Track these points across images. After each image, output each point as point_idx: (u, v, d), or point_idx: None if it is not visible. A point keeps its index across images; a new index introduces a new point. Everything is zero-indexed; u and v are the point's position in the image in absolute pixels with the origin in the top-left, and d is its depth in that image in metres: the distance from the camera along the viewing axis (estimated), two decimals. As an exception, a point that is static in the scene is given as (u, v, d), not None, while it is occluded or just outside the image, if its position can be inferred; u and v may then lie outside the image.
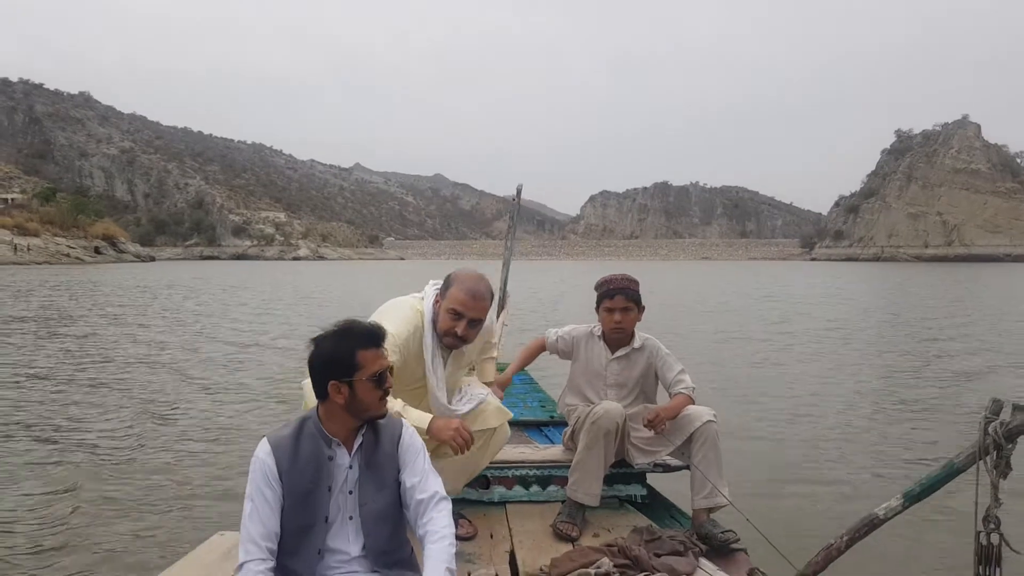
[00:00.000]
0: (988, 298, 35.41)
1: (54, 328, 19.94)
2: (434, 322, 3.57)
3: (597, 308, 4.30)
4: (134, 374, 12.64)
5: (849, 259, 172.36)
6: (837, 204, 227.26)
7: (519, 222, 6.69)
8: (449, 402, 3.65)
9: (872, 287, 48.69)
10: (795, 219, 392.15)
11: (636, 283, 4.27)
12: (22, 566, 4.97)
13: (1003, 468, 2.82)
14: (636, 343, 4.25)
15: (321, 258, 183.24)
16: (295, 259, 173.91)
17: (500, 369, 4.49)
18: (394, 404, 3.16)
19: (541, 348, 4.60)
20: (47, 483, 6.77)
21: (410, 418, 3.17)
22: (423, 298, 3.65)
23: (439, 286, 3.64)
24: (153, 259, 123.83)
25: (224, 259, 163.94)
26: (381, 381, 2.52)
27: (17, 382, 11.84)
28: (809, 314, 26.26)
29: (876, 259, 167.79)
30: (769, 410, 9.93)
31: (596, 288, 4.31)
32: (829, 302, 33.44)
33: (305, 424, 2.58)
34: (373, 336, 2.55)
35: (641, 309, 4.25)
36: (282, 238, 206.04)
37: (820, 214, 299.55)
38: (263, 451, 2.53)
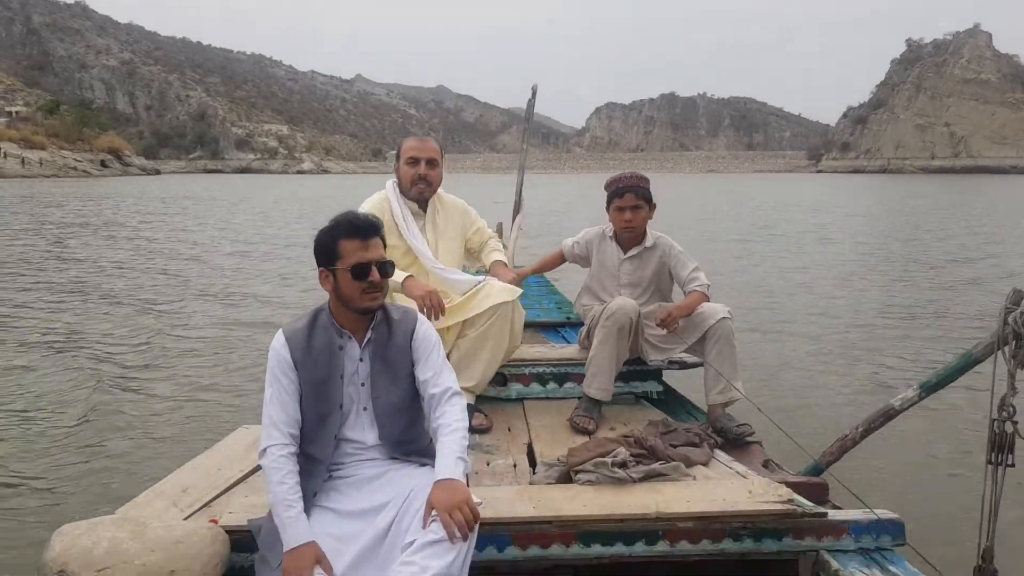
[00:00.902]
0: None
1: (113, 233, 21.75)
2: (399, 190, 4.10)
3: (608, 208, 4.27)
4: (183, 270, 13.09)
5: (855, 171, 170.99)
6: (845, 115, 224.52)
7: (524, 138, 6.63)
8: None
9: (867, 200, 48.48)
10: (803, 130, 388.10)
11: (646, 181, 4.24)
12: (47, 468, 5.10)
13: (1021, 358, 2.83)
14: (648, 242, 4.23)
15: (325, 172, 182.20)
16: (299, 172, 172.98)
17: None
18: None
19: (560, 258, 4.60)
20: (69, 385, 6.90)
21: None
22: (386, 187, 4.19)
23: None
24: (159, 172, 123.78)
25: (228, 172, 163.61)
26: (360, 273, 2.51)
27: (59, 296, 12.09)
28: (804, 220, 26.21)
29: (882, 171, 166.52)
30: (784, 310, 10.01)
31: (606, 188, 4.27)
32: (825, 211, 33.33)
33: (319, 315, 2.64)
34: (356, 227, 2.55)
35: (652, 207, 4.22)
36: (285, 151, 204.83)
37: (828, 125, 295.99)
38: (278, 342, 2.59)
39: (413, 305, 3.59)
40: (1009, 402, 2.84)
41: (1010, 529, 3.60)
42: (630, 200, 4.14)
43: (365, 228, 2.57)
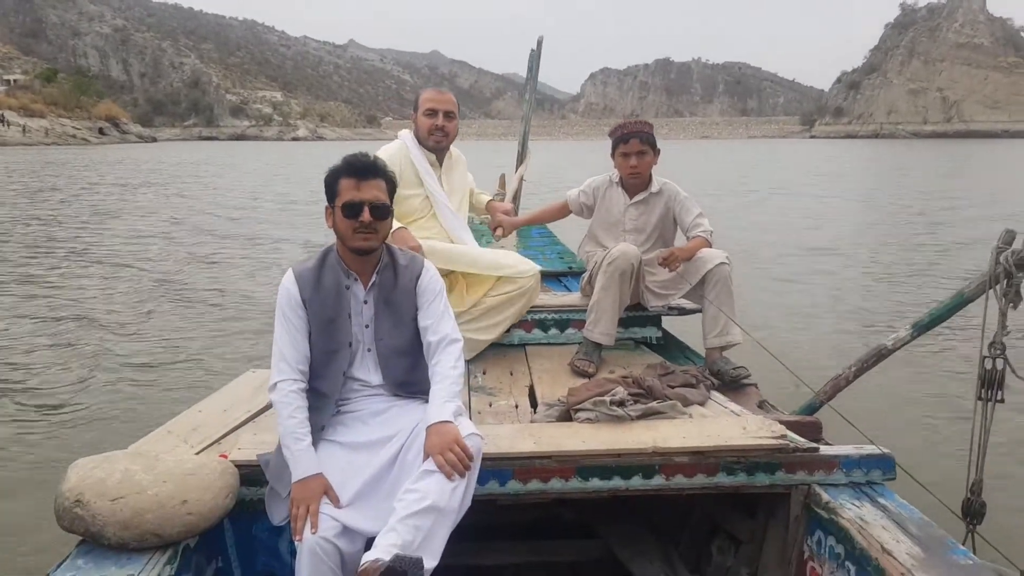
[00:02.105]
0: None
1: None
2: (418, 140, 4.15)
3: (612, 155, 4.29)
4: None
5: (848, 136, 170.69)
6: (839, 80, 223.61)
7: (529, 88, 6.63)
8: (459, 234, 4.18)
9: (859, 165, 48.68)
10: (797, 96, 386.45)
11: (650, 126, 4.27)
12: (60, 412, 5.21)
13: (1012, 296, 2.89)
14: (654, 187, 4.27)
15: (320, 138, 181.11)
16: (294, 139, 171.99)
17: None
18: None
19: (564, 209, 4.61)
20: (77, 337, 6.99)
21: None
22: (399, 136, 4.25)
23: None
24: (155, 139, 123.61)
25: (223, 140, 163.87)
26: (352, 211, 2.54)
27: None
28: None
29: (875, 136, 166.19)
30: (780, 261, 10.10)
31: (610, 135, 4.30)
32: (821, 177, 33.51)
33: (328, 255, 2.69)
34: (352, 166, 2.59)
35: (656, 152, 4.25)
36: (280, 118, 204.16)
37: (823, 90, 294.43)
38: (288, 280, 2.65)
39: None
40: (999, 339, 2.90)
41: (998, 463, 3.70)
42: (635, 146, 4.16)
43: (362, 168, 2.60)
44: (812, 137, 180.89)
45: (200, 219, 17.06)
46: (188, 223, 16.42)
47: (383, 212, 2.59)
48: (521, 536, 3.66)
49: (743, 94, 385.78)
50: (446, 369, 2.63)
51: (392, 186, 2.68)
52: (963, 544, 2.52)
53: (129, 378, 5.87)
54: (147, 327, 7.40)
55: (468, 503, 2.41)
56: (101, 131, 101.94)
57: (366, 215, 2.54)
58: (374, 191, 2.58)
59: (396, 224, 3.85)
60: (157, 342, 6.81)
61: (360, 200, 2.55)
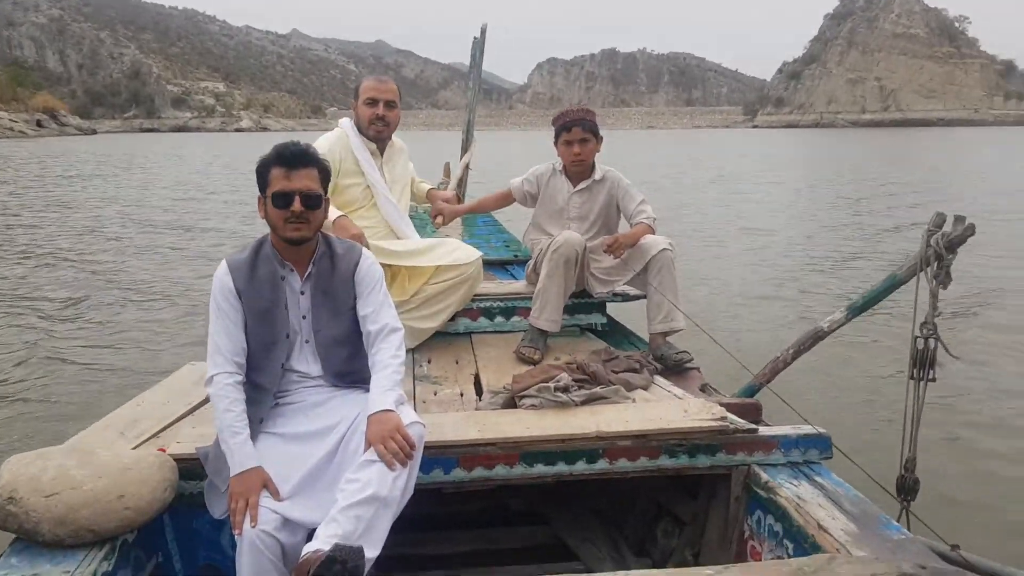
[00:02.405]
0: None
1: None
2: (359, 129, 4.08)
3: (556, 143, 4.30)
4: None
5: (790, 125, 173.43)
6: (780, 71, 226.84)
7: (473, 76, 6.62)
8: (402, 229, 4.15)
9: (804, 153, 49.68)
10: (741, 86, 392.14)
11: (592, 114, 4.28)
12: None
13: (943, 278, 2.98)
14: (597, 175, 4.29)
15: (264, 129, 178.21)
16: (237, 130, 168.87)
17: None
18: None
19: (507, 197, 4.59)
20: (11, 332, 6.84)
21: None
22: (339, 125, 4.19)
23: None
24: (95, 132, 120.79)
25: (165, 131, 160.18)
26: (283, 201, 2.50)
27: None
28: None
29: (816, 125, 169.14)
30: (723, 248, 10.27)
31: (553, 123, 4.31)
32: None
33: (262, 246, 2.64)
34: (286, 156, 2.54)
35: (599, 140, 4.27)
36: (223, 109, 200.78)
37: (765, 80, 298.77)
38: (222, 271, 2.60)
39: None
40: (931, 320, 2.98)
41: (931, 441, 3.81)
42: (578, 133, 4.18)
43: (291, 157, 2.54)
44: (755, 127, 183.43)
45: (140, 211, 16.76)
46: (126, 215, 16.14)
47: (315, 202, 2.54)
48: (468, 525, 3.68)
49: (688, 84, 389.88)
50: (386, 358, 2.61)
51: (326, 175, 2.64)
52: (898, 520, 2.59)
53: (65, 372, 5.76)
54: (84, 321, 7.25)
55: (411, 492, 2.40)
56: (39, 123, 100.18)
57: (297, 205, 2.50)
58: (305, 180, 2.53)
59: (336, 212, 3.83)
60: (95, 336, 6.69)
61: (290, 190, 2.50)
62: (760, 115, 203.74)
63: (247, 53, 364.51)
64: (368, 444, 2.37)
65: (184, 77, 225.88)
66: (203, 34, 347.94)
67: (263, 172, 2.57)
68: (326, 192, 2.64)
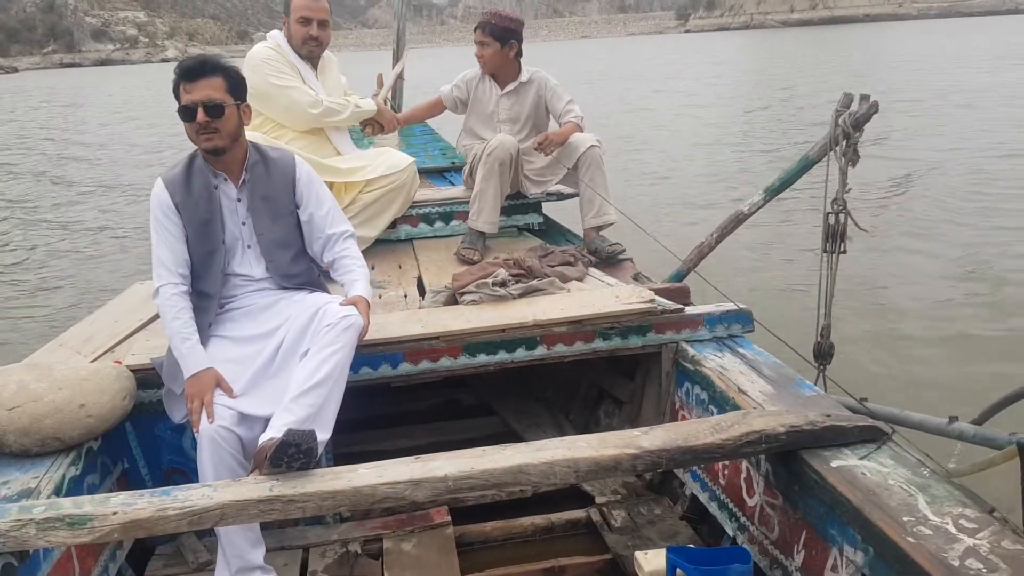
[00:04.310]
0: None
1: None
2: (291, 46, 4.05)
3: None
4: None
5: (721, 28, 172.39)
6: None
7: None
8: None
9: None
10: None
11: (503, 18, 4.30)
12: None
13: (851, 156, 3.14)
14: (524, 77, 4.35)
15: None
16: (163, 61, 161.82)
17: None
18: (345, 107, 4.09)
19: (439, 105, 4.63)
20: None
21: (362, 106, 4.10)
22: (267, 39, 4.14)
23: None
24: (16, 70, 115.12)
25: (87, 66, 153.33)
26: (187, 114, 2.54)
27: None
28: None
29: (746, 27, 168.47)
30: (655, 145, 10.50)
31: None
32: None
33: (195, 159, 2.70)
34: (184, 69, 2.58)
35: (508, 45, 4.27)
36: (146, 39, 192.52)
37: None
38: (158, 187, 2.67)
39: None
40: (841, 196, 3.17)
41: (842, 310, 4.06)
42: (478, 35, 4.29)
43: (189, 70, 2.56)
44: (687, 31, 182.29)
45: (75, 148, 16.39)
46: (63, 152, 15.83)
47: (217, 111, 2.55)
48: (423, 420, 3.87)
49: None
50: (357, 255, 2.85)
51: (233, 82, 2.62)
52: (815, 383, 2.81)
53: (15, 300, 5.76)
54: (27, 252, 7.23)
55: (347, 370, 2.54)
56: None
57: (200, 116, 2.53)
58: (206, 91, 2.54)
59: (367, 102, 4.18)
60: (40, 265, 6.68)
61: (192, 102, 2.53)
62: (692, 19, 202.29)
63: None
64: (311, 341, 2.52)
65: (102, 7, 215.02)
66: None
67: (175, 91, 2.60)
68: (241, 99, 2.65)
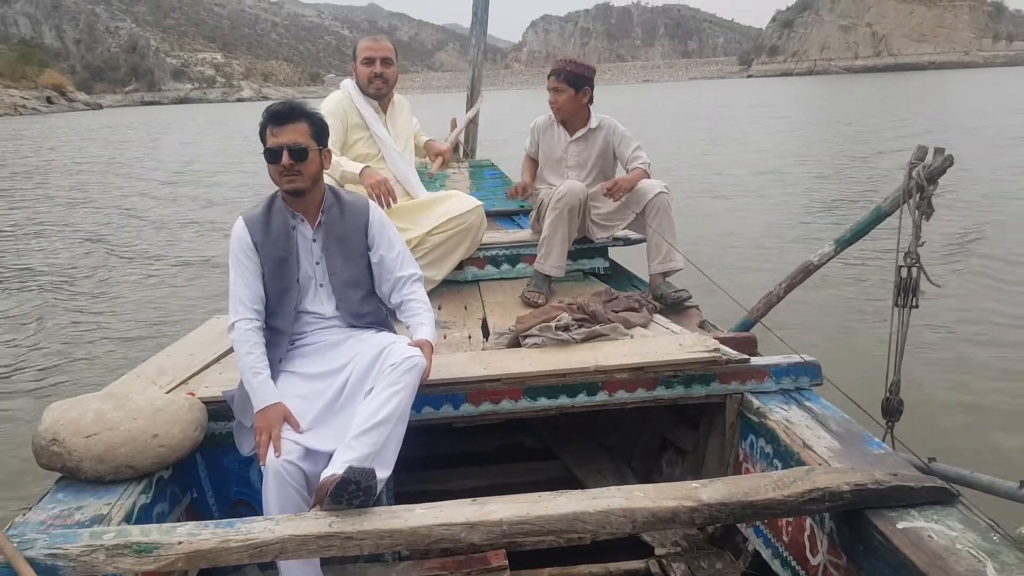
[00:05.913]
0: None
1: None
2: (360, 89, 4.29)
3: None
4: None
5: (784, 74, 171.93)
6: (773, 19, 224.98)
7: (476, 31, 6.63)
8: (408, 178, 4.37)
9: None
10: (736, 36, 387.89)
11: (576, 64, 4.36)
12: (32, 365, 5.32)
13: (925, 208, 3.10)
14: (592, 123, 4.40)
15: (265, 98, 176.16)
16: (239, 100, 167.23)
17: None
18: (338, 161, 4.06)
19: (531, 161, 4.71)
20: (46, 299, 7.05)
21: (347, 167, 3.94)
22: (340, 87, 4.37)
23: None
24: (100, 107, 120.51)
25: (166, 104, 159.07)
26: (272, 156, 2.65)
27: None
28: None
29: (809, 72, 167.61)
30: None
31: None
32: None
33: (274, 201, 2.82)
34: (270, 113, 2.70)
35: (581, 90, 4.32)
36: (223, 79, 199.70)
37: (761, 29, 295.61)
38: (239, 226, 2.79)
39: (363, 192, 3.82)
40: (914, 249, 3.11)
41: (914, 365, 3.96)
42: (552, 82, 4.33)
43: (277, 114, 2.69)
44: (749, 76, 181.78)
45: (171, 188, 17.09)
46: (163, 186, 16.57)
47: (302, 154, 2.67)
48: (485, 462, 3.87)
49: (683, 36, 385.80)
50: (425, 299, 2.93)
51: (317, 128, 2.74)
52: (883, 440, 2.75)
53: (99, 333, 5.98)
54: (109, 286, 7.51)
55: (408, 409, 2.56)
56: (49, 100, 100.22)
57: (285, 158, 2.64)
58: (292, 135, 2.66)
59: (360, 165, 4.06)
60: (124, 300, 6.94)
61: (278, 145, 2.65)
62: (755, 64, 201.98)
63: (241, 22, 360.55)
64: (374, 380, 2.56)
65: (181, 48, 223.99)
66: (196, 5, 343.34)
67: (261, 134, 2.72)
68: (323, 144, 2.78)
